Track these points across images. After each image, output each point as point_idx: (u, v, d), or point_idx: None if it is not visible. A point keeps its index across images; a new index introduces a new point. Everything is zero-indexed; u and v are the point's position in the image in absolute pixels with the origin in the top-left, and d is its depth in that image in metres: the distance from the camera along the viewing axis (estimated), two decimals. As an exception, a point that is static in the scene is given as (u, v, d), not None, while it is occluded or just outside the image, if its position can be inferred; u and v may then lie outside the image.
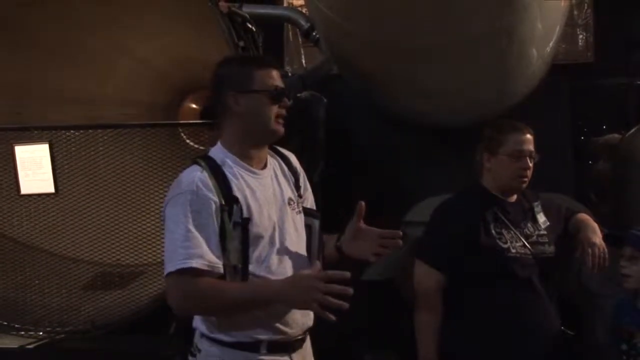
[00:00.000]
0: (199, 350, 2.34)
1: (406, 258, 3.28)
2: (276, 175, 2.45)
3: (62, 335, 4.36)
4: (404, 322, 3.13)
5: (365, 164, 4.83)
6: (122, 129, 4.44)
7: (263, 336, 2.28)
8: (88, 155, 4.52)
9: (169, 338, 2.49)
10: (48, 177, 4.34)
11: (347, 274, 2.07)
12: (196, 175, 2.27)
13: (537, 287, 2.87)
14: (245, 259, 2.25)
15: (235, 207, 2.24)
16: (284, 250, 2.35)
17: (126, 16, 4.73)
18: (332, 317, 2.08)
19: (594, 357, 3.51)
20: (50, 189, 4.38)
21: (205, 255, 2.18)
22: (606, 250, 2.85)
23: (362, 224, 2.38)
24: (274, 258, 2.32)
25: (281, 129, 2.38)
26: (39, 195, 4.46)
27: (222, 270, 2.23)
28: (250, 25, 4.47)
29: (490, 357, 2.82)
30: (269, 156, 2.48)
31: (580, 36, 6.23)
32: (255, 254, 2.28)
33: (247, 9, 4.57)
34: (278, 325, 2.30)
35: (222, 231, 2.23)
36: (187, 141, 5.11)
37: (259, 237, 2.30)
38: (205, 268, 2.18)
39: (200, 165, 2.32)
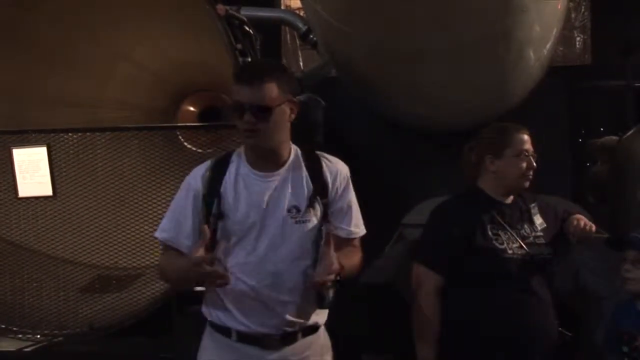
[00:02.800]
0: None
1: (405, 260, 3.28)
2: (284, 183, 2.47)
3: (60, 338, 4.36)
4: (401, 325, 3.13)
5: (363, 167, 4.83)
6: (120, 132, 4.44)
7: (230, 324, 2.46)
8: (86, 158, 4.52)
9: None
10: (46, 180, 4.34)
11: (213, 256, 2.29)
12: (200, 167, 2.52)
13: (534, 288, 2.87)
14: (213, 247, 2.39)
15: (215, 200, 2.41)
16: (257, 253, 2.41)
17: (124, 20, 4.73)
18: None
19: (592, 358, 3.51)
20: (48, 191, 4.38)
21: (167, 230, 2.48)
22: (592, 227, 2.92)
23: (329, 250, 2.35)
24: (241, 257, 2.42)
25: (247, 141, 2.44)
26: (37, 198, 4.46)
27: (180, 247, 2.45)
28: (247, 28, 4.47)
29: (487, 357, 2.82)
30: (293, 163, 2.51)
31: (578, 38, 6.26)
32: (222, 248, 2.41)
33: (244, 12, 4.58)
34: (240, 317, 2.44)
35: (205, 219, 2.43)
36: (185, 144, 5.11)
37: (231, 235, 2.42)
38: (161, 239, 2.49)
39: (213, 159, 2.55)
